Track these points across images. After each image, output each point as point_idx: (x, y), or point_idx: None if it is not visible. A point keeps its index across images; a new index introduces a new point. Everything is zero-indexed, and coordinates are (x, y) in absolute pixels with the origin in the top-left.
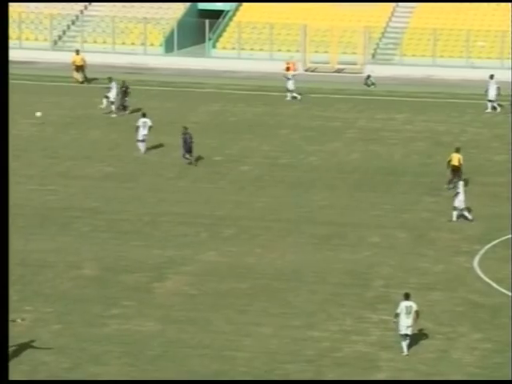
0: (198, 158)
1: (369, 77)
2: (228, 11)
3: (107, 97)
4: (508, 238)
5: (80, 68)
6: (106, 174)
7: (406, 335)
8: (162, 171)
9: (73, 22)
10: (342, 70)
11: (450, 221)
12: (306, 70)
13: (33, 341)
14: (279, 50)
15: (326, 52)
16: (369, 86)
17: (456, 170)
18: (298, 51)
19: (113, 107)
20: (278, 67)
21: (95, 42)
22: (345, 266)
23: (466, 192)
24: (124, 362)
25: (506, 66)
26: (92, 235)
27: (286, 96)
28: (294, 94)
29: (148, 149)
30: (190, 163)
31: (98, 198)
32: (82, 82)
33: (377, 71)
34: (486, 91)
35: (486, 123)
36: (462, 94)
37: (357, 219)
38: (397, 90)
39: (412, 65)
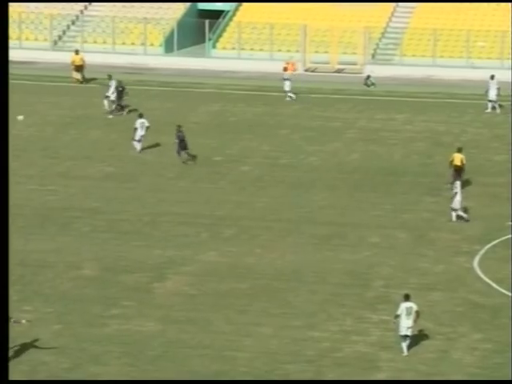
0: (195, 158)
1: (369, 77)
2: (228, 11)
3: (107, 96)
4: (508, 238)
5: (79, 68)
6: (106, 174)
7: (406, 336)
8: (162, 171)
9: (73, 22)
10: (342, 70)
11: (450, 221)
12: (306, 70)
13: (33, 341)
14: (279, 50)
15: (326, 52)
16: (369, 86)
17: (458, 170)
18: (298, 51)
19: (113, 106)
20: (278, 67)
21: (95, 42)
22: (345, 266)
23: (465, 192)
24: (124, 362)
25: (505, 67)
26: (92, 235)
27: (285, 96)
28: (290, 94)
29: (148, 149)
30: (190, 160)
31: (98, 198)
32: (81, 82)
33: (377, 71)
34: (487, 91)
35: (486, 123)
36: (461, 94)
37: (357, 219)
38: (397, 91)
39: (412, 65)
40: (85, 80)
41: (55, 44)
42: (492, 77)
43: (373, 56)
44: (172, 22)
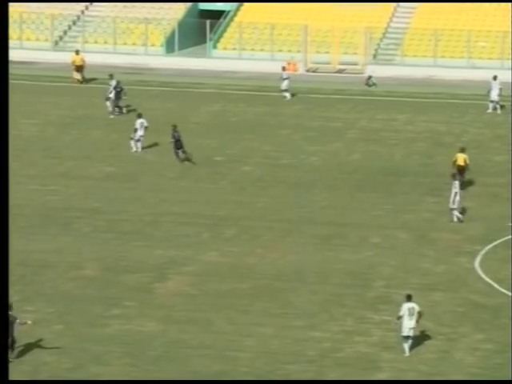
0: (191, 156)
1: (370, 77)
2: (229, 11)
3: (109, 98)
4: (509, 239)
5: (80, 68)
6: (107, 174)
7: (409, 337)
8: (163, 171)
9: (74, 23)
10: (343, 70)
11: (451, 221)
12: (307, 71)
13: (35, 341)
14: (280, 51)
15: (327, 52)
16: (370, 86)
17: (461, 170)
18: (299, 51)
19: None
20: (279, 67)
21: (96, 42)
22: (346, 266)
23: (465, 192)
24: (125, 362)
25: (506, 67)
26: (93, 235)
27: (285, 96)
28: (285, 94)
29: (149, 149)
30: (187, 158)
31: (99, 198)
32: (81, 82)
33: (378, 71)
34: (489, 91)
35: (487, 124)
36: (462, 95)
37: (358, 219)
38: (398, 91)
39: (413, 65)
40: (85, 80)
41: (56, 44)
42: (495, 77)
43: (374, 56)
44: (173, 22)
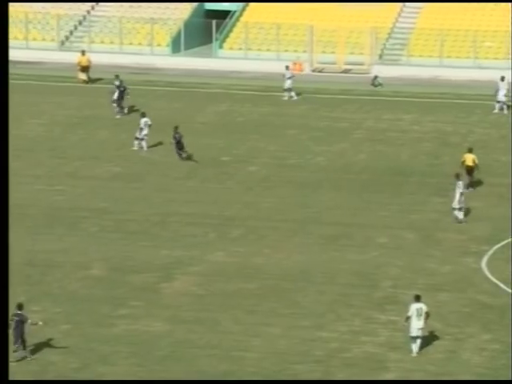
0: (192, 155)
1: (376, 77)
2: (235, 11)
3: (114, 100)
4: None
5: (85, 68)
6: (113, 174)
7: (417, 337)
8: (170, 171)
9: (80, 23)
10: (349, 70)
11: (458, 222)
12: (313, 71)
13: (42, 341)
14: (286, 51)
15: (332, 52)
16: (376, 86)
17: (471, 171)
18: (304, 51)
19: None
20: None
21: (102, 42)
22: (352, 266)
23: (472, 192)
24: (132, 362)
25: None
26: (100, 235)
27: (292, 96)
28: (288, 93)
29: (155, 149)
30: (188, 158)
31: (106, 198)
32: (87, 83)
33: (384, 72)
34: (497, 91)
35: (494, 124)
36: (469, 95)
37: (364, 220)
38: (404, 91)
39: (419, 65)
40: (90, 80)
41: (62, 44)
42: (502, 78)
43: (380, 56)
44: (179, 22)
